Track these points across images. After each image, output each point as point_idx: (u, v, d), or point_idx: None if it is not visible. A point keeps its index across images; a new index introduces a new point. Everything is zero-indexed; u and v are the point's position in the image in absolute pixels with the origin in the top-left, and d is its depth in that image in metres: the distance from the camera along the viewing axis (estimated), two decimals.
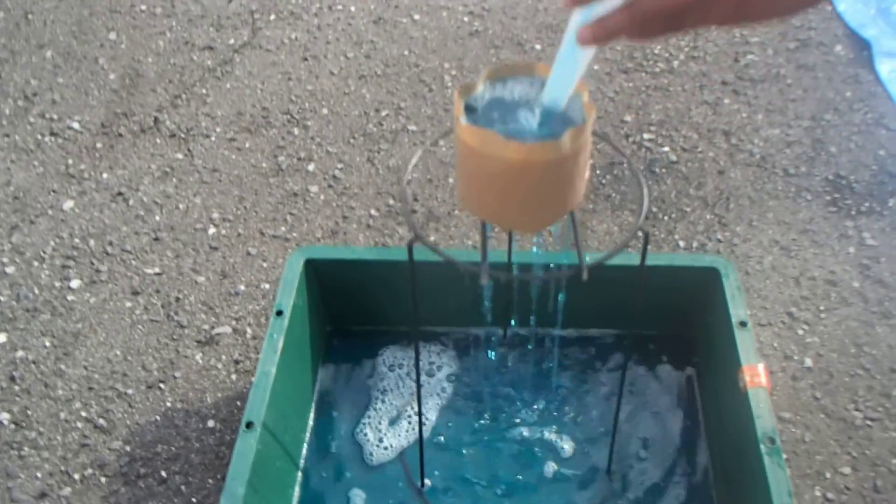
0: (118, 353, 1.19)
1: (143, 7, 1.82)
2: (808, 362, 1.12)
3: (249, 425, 0.88)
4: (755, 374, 0.89)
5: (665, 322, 1.07)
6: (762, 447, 0.83)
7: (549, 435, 1.03)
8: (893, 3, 1.69)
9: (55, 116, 1.57)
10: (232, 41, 1.72)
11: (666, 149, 1.44)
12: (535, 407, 1.07)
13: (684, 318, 1.07)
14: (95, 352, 1.19)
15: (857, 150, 1.41)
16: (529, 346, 1.12)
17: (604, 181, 1.38)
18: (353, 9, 1.79)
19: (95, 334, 1.21)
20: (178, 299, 1.25)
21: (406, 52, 1.67)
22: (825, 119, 1.48)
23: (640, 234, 0.68)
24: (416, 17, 1.76)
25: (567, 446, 1.02)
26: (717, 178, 1.38)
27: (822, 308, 1.19)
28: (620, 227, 1.31)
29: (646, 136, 1.46)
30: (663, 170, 1.40)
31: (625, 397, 1.03)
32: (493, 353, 1.12)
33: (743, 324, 0.94)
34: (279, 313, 0.98)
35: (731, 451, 0.93)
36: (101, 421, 1.11)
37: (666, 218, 1.32)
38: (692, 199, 1.35)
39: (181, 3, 1.83)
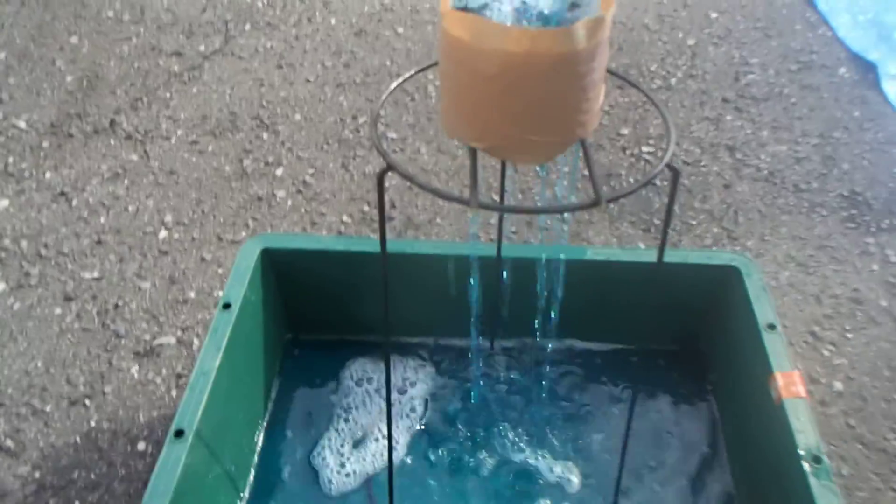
0: (39, 364, 1.02)
1: (111, 13, 1.72)
2: (838, 386, 0.98)
3: (179, 433, 0.72)
4: (791, 383, 0.75)
5: (678, 330, 0.93)
6: (806, 467, 0.68)
7: (543, 464, 0.87)
8: (895, 30, 1.63)
9: (0, 116, 1.43)
10: (202, 48, 1.61)
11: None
12: (527, 430, 0.91)
13: (700, 325, 0.93)
14: (12, 363, 1.02)
15: (870, 167, 1.31)
16: (521, 360, 0.97)
17: (601, 192, 1.26)
18: (333, 21, 1.69)
19: (15, 343, 1.04)
20: (117, 306, 1.09)
21: (388, 63, 1.56)
22: (834, 137, 1.38)
23: (666, 171, 0.55)
24: (400, 30, 1.66)
25: (567, 477, 0.86)
26: (723, 192, 1.26)
27: (848, 327, 1.05)
28: (619, 238, 1.18)
29: (644, 148, 1.35)
30: (664, 182, 1.28)
31: (633, 418, 0.87)
32: (478, 367, 0.97)
33: (772, 326, 0.80)
34: (226, 306, 0.83)
35: (764, 475, 0.78)
36: (9, 442, 0.94)
37: (670, 230, 1.19)
38: (697, 212, 1.23)
39: (151, 10, 1.72)
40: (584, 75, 0.48)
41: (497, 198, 0.81)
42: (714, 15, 1.71)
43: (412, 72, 0.64)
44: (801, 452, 0.69)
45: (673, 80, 1.52)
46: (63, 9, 1.73)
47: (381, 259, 0.61)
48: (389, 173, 0.53)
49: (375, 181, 0.54)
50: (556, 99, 0.49)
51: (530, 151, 0.52)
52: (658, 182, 1.28)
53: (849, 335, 1.04)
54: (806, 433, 0.71)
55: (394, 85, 0.62)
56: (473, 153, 0.52)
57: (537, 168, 1.26)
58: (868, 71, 1.53)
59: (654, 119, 1.42)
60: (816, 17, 1.70)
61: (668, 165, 0.54)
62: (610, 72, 0.59)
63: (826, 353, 1.02)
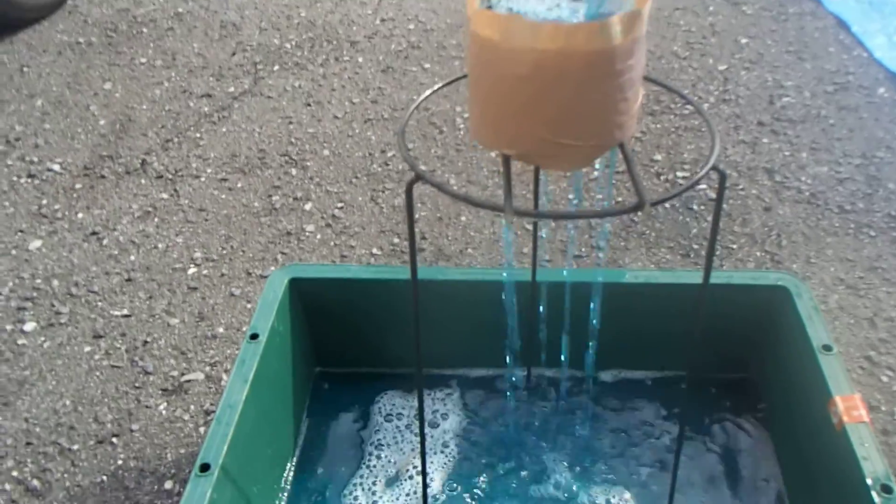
0: (67, 402, 1.00)
1: (143, 60, 1.75)
2: None
3: (205, 468, 0.69)
4: (853, 407, 0.70)
5: (727, 356, 0.88)
6: (875, 497, 0.63)
7: (586, 498, 0.82)
8: None
9: (35, 159, 1.45)
10: (232, 89, 1.63)
11: (703, 186, 1.29)
12: (568, 466, 0.86)
13: (749, 349, 0.88)
14: (41, 402, 1.01)
15: None
16: (559, 390, 0.92)
17: (635, 218, 1.23)
18: (360, 59, 1.70)
19: (44, 382, 1.03)
20: (145, 343, 1.08)
21: (416, 97, 1.56)
22: (878, 157, 1.33)
23: (713, 175, 0.51)
24: (427, 66, 1.67)
25: None
26: (763, 215, 1.22)
27: None
28: (657, 264, 1.14)
29: (679, 173, 1.32)
30: (702, 207, 1.24)
31: (682, 453, 0.82)
32: (513, 399, 0.93)
33: (828, 347, 0.75)
34: (254, 337, 0.80)
35: None
36: (35, 482, 0.91)
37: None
38: (738, 236, 1.18)
39: (182, 56, 1.76)
40: (622, 73, 0.46)
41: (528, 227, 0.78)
42: (744, 40, 1.69)
43: (441, 84, 0.62)
44: (869, 481, 0.64)
45: (706, 105, 1.49)
46: (98, 57, 1.76)
47: (412, 280, 0.58)
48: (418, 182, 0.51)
49: (404, 192, 0.52)
50: (592, 100, 0.46)
51: (565, 157, 0.49)
52: (696, 206, 1.24)
53: None
54: (872, 460, 0.65)
55: (425, 94, 0.60)
56: (506, 160, 0.50)
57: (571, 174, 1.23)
58: None
59: (688, 144, 1.39)
60: (851, 40, 1.67)
61: (715, 168, 0.51)
62: (648, 79, 0.57)
63: (885, 378, 0.96)
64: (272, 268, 1.19)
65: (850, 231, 1.18)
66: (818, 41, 1.68)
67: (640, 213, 0.45)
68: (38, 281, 1.19)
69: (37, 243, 1.26)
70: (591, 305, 0.79)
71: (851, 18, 1.73)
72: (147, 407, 0.99)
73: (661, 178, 1.32)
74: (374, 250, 1.21)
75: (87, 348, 1.08)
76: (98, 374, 1.04)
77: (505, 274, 0.78)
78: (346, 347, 0.93)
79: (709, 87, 1.54)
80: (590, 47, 0.44)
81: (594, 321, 0.81)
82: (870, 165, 1.31)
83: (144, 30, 1.87)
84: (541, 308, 0.84)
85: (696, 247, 1.17)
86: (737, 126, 1.43)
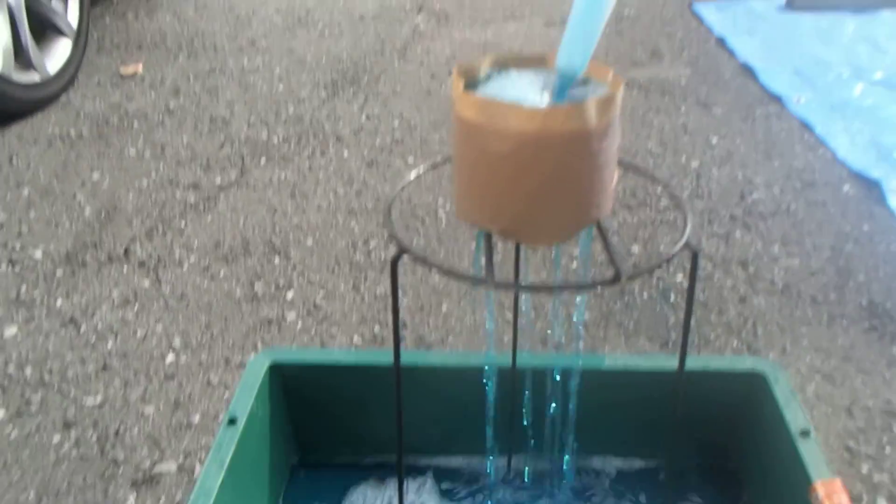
0: (31, 495, 0.97)
1: (133, 151, 1.79)
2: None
3: None
4: (834, 491, 0.69)
5: (706, 444, 0.87)
6: None
7: None
8: (894, 150, 1.66)
9: (17, 246, 1.45)
10: (219, 180, 1.66)
11: (679, 278, 1.31)
12: None
13: (728, 437, 0.87)
14: (4, 494, 0.97)
15: (887, 278, 1.29)
16: (539, 479, 0.91)
17: (614, 308, 1.24)
18: (345, 153, 1.75)
19: (8, 473, 1.00)
20: (118, 432, 1.05)
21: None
22: (846, 250, 1.37)
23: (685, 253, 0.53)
24: (410, 159, 1.72)
25: None
26: (739, 305, 1.24)
27: (885, 441, 0.99)
28: (637, 354, 1.15)
29: None
30: (679, 297, 1.26)
31: None
32: (494, 487, 0.91)
33: (806, 433, 0.76)
34: (232, 422, 0.79)
35: None
36: None
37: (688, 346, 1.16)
38: (715, 326, 1.20)
39: (171, 148, 1.80)
40: (597, 154, 0.48)
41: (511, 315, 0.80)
42: (715, 139, 1.76)
43: (427, 165, 0.65)
44: None
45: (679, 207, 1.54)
46: (88, 148, 1.80)
47: (394, 359, 0.59)
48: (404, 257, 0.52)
49: (390, 266, 0.53)
50: (569, 178, 0.48)
51: (544, 232, 0.51)
52: (673, 297, 1.26)
53: (887, 449, 0.98)
54: None
55: (413, 175, 0.62)
56: (488, 236, 0.51)
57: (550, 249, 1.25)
58: (871, 187, 1.55)
59: (665, 237, 1.43)
60: (815, 140, 1.75)
61: (688, 245, 0.53)
62: (623, 163, 0.59)
63: (865, 469, 0.96)
64: (252, 355, 1.18)
65: (823, 321, 1.21)
66: (784, 141, 1.76)
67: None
68: (11, 368, 1.16)
69: (12, 330, 1.24)
70: (570, 390, 0.79)
71: (815, 120, 1.82)
72: (115, 499, 0.96)
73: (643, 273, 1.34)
74: (355, 338, 1.21)
75: (57, 438, 1.05)
76: (66, 464, 1.01)
77: (486, 350, 0.78)
78: (325, 434, 0.92)
79: (682, 182, 1.60)
80: (567, 129, 0.47)
81: (572, 407, 0.81)
82: (839, 258, 1.35)
83: (135, 123, 1.92)
84: (525, 393, 0.83)
85: (674, 336, 1.18)
86: (710, 220, 1.47)
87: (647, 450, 0.91)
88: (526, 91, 0.51)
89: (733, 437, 0.88)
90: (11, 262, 1.41)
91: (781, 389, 0.81)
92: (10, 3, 1.84)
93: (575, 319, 1.21)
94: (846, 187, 1.57)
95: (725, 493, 0.88)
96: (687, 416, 0.75)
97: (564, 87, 0.51)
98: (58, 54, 2.04)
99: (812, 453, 0.74)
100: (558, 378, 0.81)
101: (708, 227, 1.45)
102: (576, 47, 0.49)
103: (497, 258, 1.31)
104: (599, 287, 0.51)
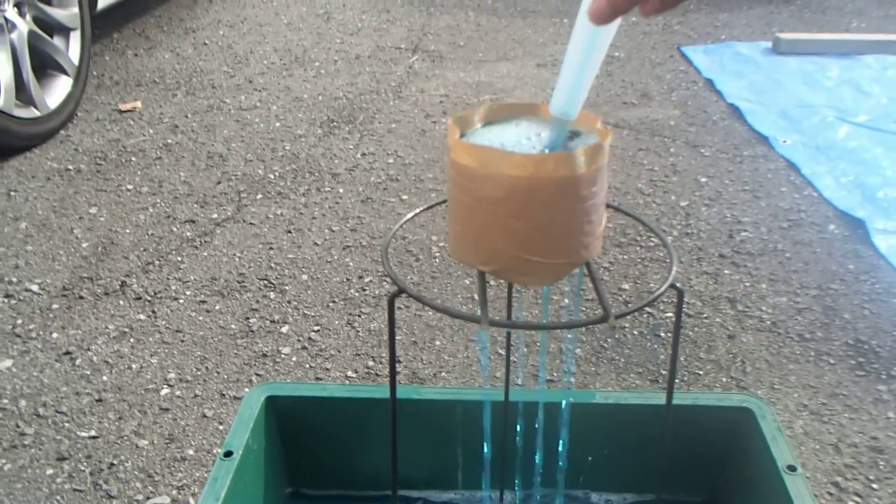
0: None
1: (130, 187, 1.81)
2: None
3: None
4: None
5: (695, 479, 0.89)
6: None
7: None
8: (878, 191, 1.70)
9: (14, 280, 1.46)
10: (215, 216, 1.68)
11: (669, 315, 1.33)
12: None
13: (717, 473, 0.89)
14: None
15: (872, 316, 1.32)
16: None
17: (605, 344, 1.26)
18: (341, 190, 1.78)
19: None
20: (111, 465, 1.06)
21: (393, 226, 1.63)
22: (832, 288, 1.40)
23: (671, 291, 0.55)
24: (405, 197, 1.74)
25: None
26: (727, 343, 1.26)
27: (872, 477, 1.01)
28: (627, 389, 1.16)
29: None
30: (668, 334, 1.28)
31: None
32: None
33: (792, 468, 0.77)
34: (228, 454, 0.80)
35: None
36: None
37: (678, 381, 1.18)
38: (704, 363, 1.22)
39: (169, 183, 1.82)
40: (587, 199, 0.51)
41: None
42: (703, 179, 1.80)
43: (424, 207, 0.67)
44: None
45: (669, 239, 1.57)
46: (86, 183, 1.82)
47: (390, 392, 0.60)
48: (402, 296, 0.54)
49: (387, 305, 0.55)
50: (560, 221, 0.51)
51: (535, 273, 0.53)
52: (662, 333, 1.28)
53: (874, 485, 1.00)
54: None
55: (409, 215, 0.64)
56: (481, 275, 0.53)
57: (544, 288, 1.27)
58: (857, 227, 1.59)
59: (654, 274, 1.45)
60: (801, 180, 1.79)
61: (673, 285, 0.55)
62: (611, 206, 0.62)
63: None
64: (246, 389, 1.19)
65: (810, 359, 1.23)
66: (771, 181, 1.80)
67: (606, 326, 0.48)
68: (5, 401, 1.17)
69: (7, 363, 1.25)
70: (562, 425, 0.81)
71: (801, 161, 1.86)
72: None
73: (629, 305, 1.36)
74: (350, 373, 1.22)
75: (50, 471, 1.05)
76: (58, 497, 1.01)
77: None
78: (319, 467, 0.93)
79: (672, 221, 1.63)
80: (557, 174, 0.49)
81: (564, 441, 0.82)
82: (825, 297, 1.38)
83: (133, 159, 1.94)
84: (518, 427, 0.85)
85: (663, 372, 1.20)
86: (699, 258, 1.50)
87: (639, 484, 0.92)
88: (518, 139, 0.54)
89: (722, 471, 0.89)
90: (8, 296, 1.42)
91: (768, 425, 0.83)
92: (12, 40, 1.87)
93: (565, 356, 1.22)
94: (832, 227, 1.60)
95: None
96: (676, 450, 0.76)
97: (558, 133, 0.53)
98: (58, 91, 2.07)
99: (798, 488, 0.75)
100: (550, 413, 0.82)
101: (697, 265, 1.48)
102: (568, 95, 0.52)
103: (490, 293, 1.33)
104: (588, 326, 0.53)
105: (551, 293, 1.37)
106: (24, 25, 1.91)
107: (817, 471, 1.02)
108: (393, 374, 0.59)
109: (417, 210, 0.66)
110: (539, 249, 0.52)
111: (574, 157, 0.49)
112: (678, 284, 0.56)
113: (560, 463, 0.84)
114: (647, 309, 1.35)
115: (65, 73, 2.10)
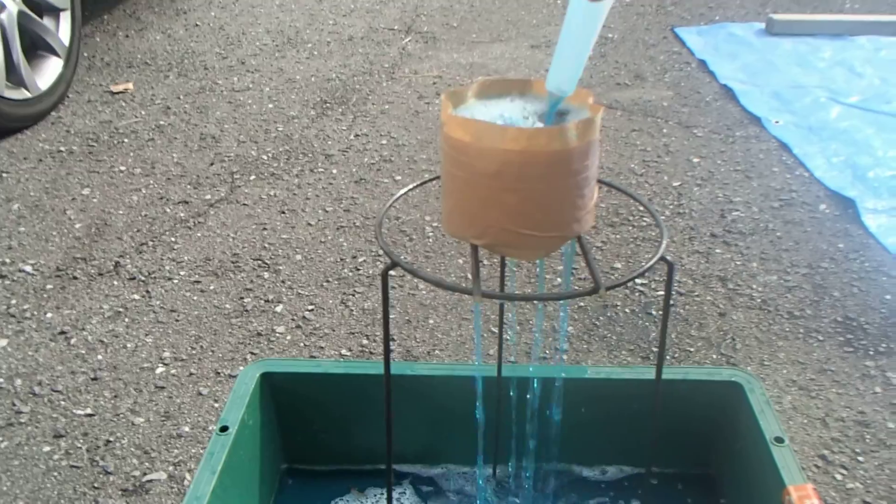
0: None
1: (123, 168, 1.81)
2: None
3: None
4: (805, 496, 0.72)
5: (686, 452, 0.90)
6: None
7: None
8: (868, 171, 1.72)
9: (7, 261, 1.46)
10: (208, 197, 1.68)
11: (661, 293, 1.35)
12: None
13: (707, 445, 0.90)
14: None
15: (861, 294, 1.33)
16: (524, 486, 0.93)
17: (597, 322, 1.27)
18: (334, 171, 1.78)
19: None
20: (108, 442, 1.06)
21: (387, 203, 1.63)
22: (822, 267, 1.41)
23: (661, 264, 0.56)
24: (398, 178, 1.75)
25: None
26: (718, 320, 1.28)
27: (858, 451, 1.03)
28: (619, 365, 1.18)
29: (639, 281, 1.38)
30: (660, 312, 1.29)
31: None
32: (479, 496, 0.93)
33: (779, 440, 0.79)
34: (223, 429, 0.81)
35: None
36: None
37: (669, 357, 1.19)
38: (695, 340, 1.23)
39: (161, 165, 1.82)
40: (579, 172, 0.51)
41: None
42: (696, 160, 1.81)
43: (416, 183, 0.68)
44: None
45: (661, 218, 1.57)
46: (78, 165, 1.82)
47: (384, 369, 0.61)
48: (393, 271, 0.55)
49: (381, 279, 0.55)
50: (552, 195, 0.51)
51: (528, 247, 0.54)
52: (654, 311, 1.30)
53: (860, 458, 1.02)
54: None
55: (403, 191, 0.65)
56: (474, 249, 0.54)
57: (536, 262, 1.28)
58: (847, 207, 1.60)
59: (646, 254, 1.46)
60: (793, 160, 1.80)
61: (663, 258, 0.56)
62: (602, 181, 0.62)
63: (839, 476, 0.99)
64: (241, 367, 1.19)
65: (799, 335, 1.24)
66: (763, 162, 1.81)
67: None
68: (1, 380, 1.17)
69: (2, 343, 1.25)
70: (554, 400, 0.82)
71: (793, 142, 1.87)
72: None
73: (617, 287, 1.38)
74: (344, 351, 1.23)
75: (47, 448, 1.06)
76: (56, 474, 1.02)
77: (475, 360, 0.81)
78: (314, 443, 0.94)
79: (664, 201, 1.64)
80: (550, 148, 0.50)
81: (556, 416, 0.83)
82: (815, 275, 1.39)
83: (125, 140, 1.94)
84: (510, 403, 0.86)
85: (655, 349, 1.21)
86: (691, 237, 1.51)
87: (630, 457, 0.93)
88: (511, 114, 0.54)
89: (712, 443, 0.91)
90: (1, 276, 1.42)
91: (757, 399, 0.84)
92: (2, 21, 1.86)
93: (560, 330, 1.23)
94: (822, 206, 1.61)
95: (703, 497, 0.90)
96: (667, 424, 0.77)
97: (553, 109, 0.54)
98: (48, 72, 2.06)
99: (785, 459, 0.77)
100: (542, 388, 0.83)
101: (689, 244, 1.49)
102: (564, 71, 0.52)
103: (483, 272, 1.34)
104: (581, 298, 0.54)
105: (544, 270, 1.38)
106: (13, 6, 1.90)
107: (805, 444, 1.04)
108: (387, 348, 0.60)
109: (412, 185, 0.67)
110: (532, 223, 0.52)
111: (566, 130, 0.49)
112: (668, 257, 0.57)
113: (552, 437, 0.86)
114: (639, 287, 1.36)
115: (55, 54, 2.08)
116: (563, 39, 0.52)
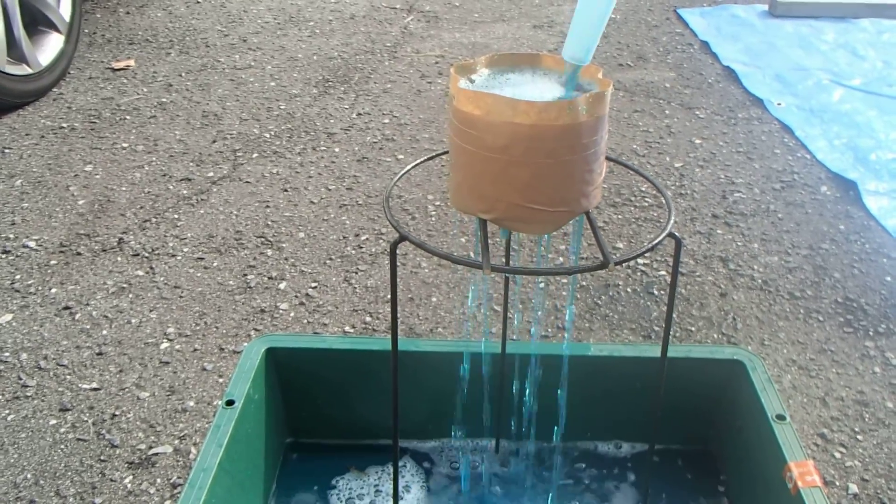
0: (29, 476, 0.99)
1: (125, 145, 1.80)
2: (853, 488, 0.95)
3: None
4: (806, 472, 0.73)
5: (688, 428, 0.91)
6: None
7: None
8: (870, 153, 1.72)
9: (11, 236, 1.46)
10: (211, 174, 1.68)
11: (662, 273, 1.35)
12: None
13: (709, 422, 0.91)
14: (1, 475, 0.99)
15: (861, 275, 1.34)
16: (527, 461, 0.94)
17: (599, 301, 1.28)
18: (337, 150, 1.78)
19: (6, 455, 1.02)
20: (114, 416, 1.07)
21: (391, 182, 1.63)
22: (823, 248, 1.42)
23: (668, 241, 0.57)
24: (401, 157, 1.75)
25: None
26: (719, 300, 1.29)
27: (857, 429, 1.04)
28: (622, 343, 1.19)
29: (640, 261, 1.39)
30: (661, 291, 1.30)
31: None
32: (481, 470, 0.94)
33: (781, 417, 0.80)
34: (230, 403, 0.82)
35: None
36: None
37: (670, 337, 1.20)
38: (696, 320, 1.24)
39: (164, 142, 1.81)
40: (587, 147, 0.52)
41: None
42: (698, 141, 1.81)
43: (423, 158, 0.68)
44: None
45: (663, 199, 1.58)
46: (80, 141, 1.81)
47: (391, 338, 0.62)
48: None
49: (389, 252, 0.56)
50: (561, 170, 0.52)
51: (536, 221, 0.54)
52: (655, 291, 1.30)
53: (859, 437, 1.03)
54: None
55: (409, 166, 0.65)
56: (483, 223, 0.54)
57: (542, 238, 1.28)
58: (848, 188, 1.60)
59: (648, 234, 1.47)
60: (795, 143, 1.80)
61: (671, 234, 0.56)
62: (609, 158, 0.63)
63: (838, 455, 1.00)
64: (245, 343, 1.20)
65: (800, 316, 1.25)
66: (765, 143, 1.80)
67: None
68: (6, 354, 1.18)
69: (7, 317, 1.26)
70: (558, 376, 0.83)
71: (794, 124, 1.87)
72: (112, 480, 0.98)
73: (624, 264, 1.38)
74: (347, 328, 1.24)
75: (53, 421, 1.07)
76: (63, 447, 1.03)
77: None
78: (318, 417, 0.95)
79: (666, 182, 1.64)
80: (559, 122, 0.50)
81: (560, 392, 0.84)
82: (816, 256, 1.40)
83: (128, 117, 1.93)
84: (514, 379, 0.87)
85: (656, 328, 1.22)
86: (693, 218, 1.52)
87: (633, 433, 0.94)
88: (521, 87, 0.55)
89: (713, 421, 0.92)
90: (5, 252, 1.42)
91: (758, 377, 0.85)
92: None
93: (567, 306, 1.24)
94: (824, 188, 1.62)
95: (705, 473, 0.92)
96: (671, 401, 0.78)
97: (571, 79, 0.54)
98: (50, 48, 2.04)
99: (787, 436, 0.78)
100: (546, 365, 0.84)
101: (690, 224, 1.49)
102: (580, 41, 0.52)
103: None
104: (584, 277, 0.54)
105: (549, 248, 1.39)
106: None
107: (804, 423, 1.05)
108: (394, 320, 0.60)
109: (422, 159, 0.67)
110: (540, 197, 0.53)
111: (576, 104, 0.50)
112: (676, 233, 0.57)
113: (555, 413, 0.87)
114: (640, 267, 1.37)
115: (56, 30, 2.07)
116: (579, 9, 0.52)
